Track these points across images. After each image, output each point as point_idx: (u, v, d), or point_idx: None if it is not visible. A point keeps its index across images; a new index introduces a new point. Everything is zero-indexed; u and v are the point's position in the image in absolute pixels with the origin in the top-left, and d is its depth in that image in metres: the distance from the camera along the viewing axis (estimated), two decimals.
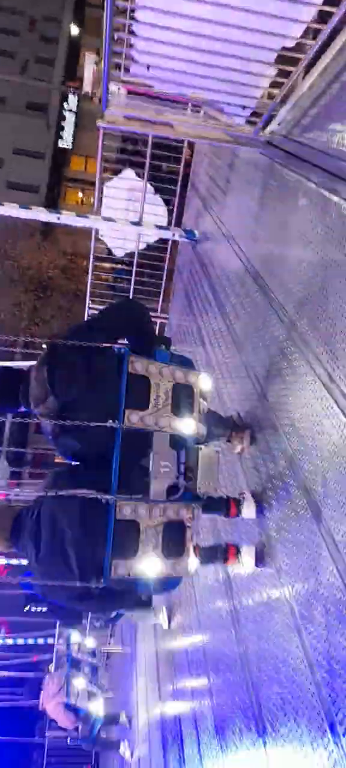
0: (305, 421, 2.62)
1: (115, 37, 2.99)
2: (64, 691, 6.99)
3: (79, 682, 7.19)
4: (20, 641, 9.07)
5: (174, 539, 2.35)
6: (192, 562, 2.40)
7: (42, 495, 2.40)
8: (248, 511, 3.05)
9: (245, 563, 3.00)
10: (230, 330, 4.29)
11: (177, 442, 2.47)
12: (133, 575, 2.30)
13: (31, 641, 9.05)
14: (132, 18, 2.94)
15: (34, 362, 2.46)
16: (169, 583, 2.54)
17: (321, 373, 2.50)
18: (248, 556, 2.98)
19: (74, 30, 25.27)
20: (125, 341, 2.54)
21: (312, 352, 2.63)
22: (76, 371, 2.37)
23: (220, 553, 3.13)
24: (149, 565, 2.30)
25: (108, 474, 2.31)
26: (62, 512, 2.30)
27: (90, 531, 2.28)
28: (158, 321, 7.92)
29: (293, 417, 2.75)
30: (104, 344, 2.42)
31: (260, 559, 2.91)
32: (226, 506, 3.07)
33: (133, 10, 2.89)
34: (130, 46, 3.18)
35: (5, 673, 9.35)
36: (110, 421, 2.26)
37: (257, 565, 2.92)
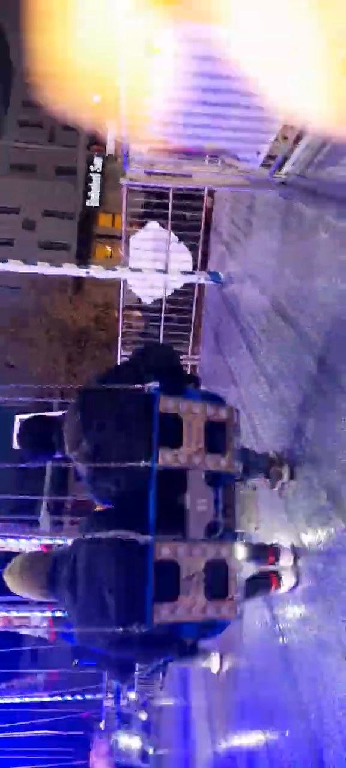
0: (343, 452, 2.58)
1: (132, 101, 3.17)
2: (114, 750, 6.82)
3: (130, 741, 7.00)
4: (68, 697, 8.94)
5: (217, 580, 2.27)
6: (238, 603, 2.31)
7: (78, 539, 2.38)
8: (285, 560, 3.01)
9: (285, 584, 2.97)
10: (261, 367, 4.30)
11: (213, 479, 2.43)
12: (176, 619, 2.21)
13: (79, 697, 8.91)
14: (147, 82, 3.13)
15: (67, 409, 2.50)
16: (215, 627, 2.44)
17: None
18: (288, 578, 2.95)
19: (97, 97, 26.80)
20: (155, 383, 2.53)
21: (344, 379, 2.61)
22: (108, 414, 2.39)
23: (265, 586, 3.04)
24: (192, 607, 2.21)
25: (144, 515, 2.26)
26: (98, 556, 2.26)
27: (128, 574, 2.22)
28: (190, 363, 8.01)
29: (331, 449, 2.72)
30: (134, 386, 2.42)
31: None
32: (265, 556, 3.01)
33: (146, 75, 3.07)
34: (147, 108, 3.36)
35: (54, 732, 9.21)
36: (144, 461, 2.25)
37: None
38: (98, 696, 8.24)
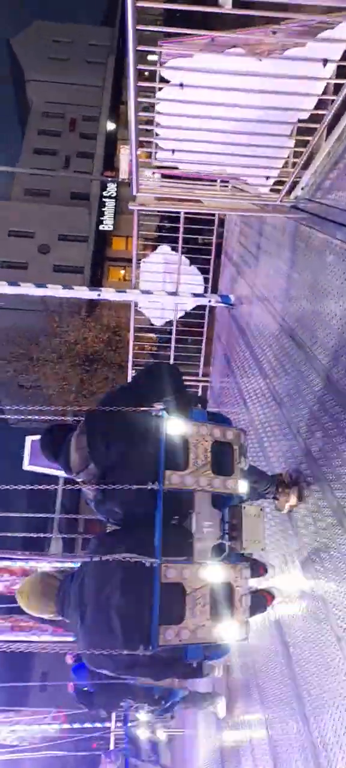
0: None
1: (141, 129, 3.25)
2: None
3: (138, 763, 6.87)
4: (76, 725, 8.83)
5: (223, 602, 2.27)
6: (243, 624, 2.30)
7: (86, 561, 2.40)
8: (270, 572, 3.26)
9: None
10: (270, 388, 4.30)
11: (219, 501, 2.43)
12: (182, 641, 2.20)
13: (88, 725, 8.79)
14: (155, 111, 3.20)
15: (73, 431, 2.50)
16: (220, 649, 2.44)
17: None
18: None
19: (110, 126, 27.46)
20: (161, 404, 2.55)
21: None
22: (115, 436, 2.39)
23: (262, 605, 3.14)
24: (198, 629, 2.20)
25: (151, 537, 2.26)
26: (106, 578, 2.27)
27: (134, 596, 2.21)
28: (200, 385, 8.02)
29: (340, 471, 2.70)
30: (141, 408, 2.44)
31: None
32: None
33: (153, 105, 3.15)
34: (156, 135, 3.43)
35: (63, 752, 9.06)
36: (150, 483, 2.25)
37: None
38: (107, 724, 8.13)
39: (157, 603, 2.16)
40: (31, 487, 2.72)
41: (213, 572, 2.27)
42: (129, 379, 7.89)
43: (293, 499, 3.23)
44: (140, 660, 2.18)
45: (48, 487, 2.67)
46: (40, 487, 2.64)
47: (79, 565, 2.52)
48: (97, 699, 3.83)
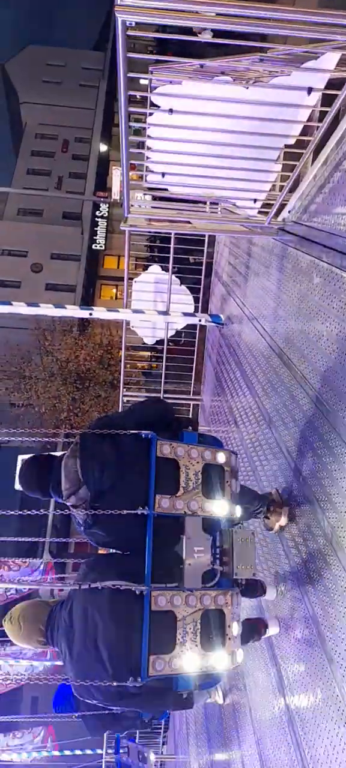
0: (341, 495, 2.58)
1: (132, 153, 3.31)
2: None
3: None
4: (67, 752, 8.66)
5: (213, 629, 2.23)
6: (235, 653, 2.26)
7: (74, 588, 2.34)
8: (269, 593, 3.21)
9: (270, 631, 3.14)
10: (260, 407, 4.33)
11: (210, 525, 2.40)
12: (172, 671, 2.14)
13: (78, 752, 8.62)
14: (146, 135, 3.27)
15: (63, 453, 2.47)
16: (211, 679, 2.37)
17: None
18: (272, 625, 3.14)
19: (103, 147, 27.85)
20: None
21: (341, 423, 2.63)
22: (107, 460, 2.36)
23: (256, 632, 3.14)
24: (189, 659, 2.15)
25: (141, 563, 2.22)
26: (94, 606, 2.22)
27: (124, 625, 2.15)
28: (191, 403, 8.05)
29: (329, 491, 2.72)
30: (132, 431, 2.40)
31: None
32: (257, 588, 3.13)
33: (145, 129, 3.22)
34: (147, 158, 3.50)
35: None
36: (141, 508, 2.22)
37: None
38: (99, 751, 7.98)
39: (146, 632, 2.11)
40: (21, 512, 2.70)
41: (204, 599, 2.23)
42: (120, 398, 7.91)
43: (283, 519, 3.24)
44: (129, 690, 2.12)
45: (38, 512, 2.64)
46: (31, 512, 2.61)
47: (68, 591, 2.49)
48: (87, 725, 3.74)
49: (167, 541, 2.35)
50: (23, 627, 2.41)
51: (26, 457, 2.75)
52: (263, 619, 3.24)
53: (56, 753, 8.87)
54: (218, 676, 2.38)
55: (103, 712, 2.34)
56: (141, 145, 3.35)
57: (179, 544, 2.35)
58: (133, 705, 2.35)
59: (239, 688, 4.21)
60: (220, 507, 2.39)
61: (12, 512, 2.62)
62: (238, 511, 2.51)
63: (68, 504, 2.43)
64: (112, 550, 2.59)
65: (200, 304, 7.04)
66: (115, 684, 2.10)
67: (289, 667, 3.05)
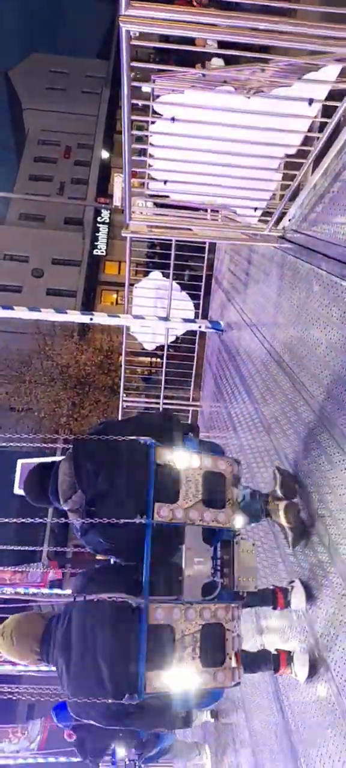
0: (338, 503, 2.58)
1: (134, 160, 3.35)
2: None
3: None
4: (62, 758, 8.59)
5: (213, 645, 2.12)
6: (234, 670, 2.15)
7: (71, 601, 2.26)
8: (297, 600, 2.70)
9: (298, 673, 2.58)
10: (259, 414, 4.35)
11: (210, 534, 2.34)
12: (170, 689, 2.06)
13: (74, 759, 8.54)
14: (148, 143, 3.31)
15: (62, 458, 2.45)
16: (210, 696, 2.29)
17: None
18: (301, 664, 2.57)
19: (105, 154, 28.04)
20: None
21: (339, 431, 2.65)
22: (103, 464, 2.31)
23: (269, 661, 2.74)
24: (187, 676, 2.05)
25: (139, 574, 2.15)
26: (92, 620, 2.13)
27: (122, 640, 2.06)
28: (191, 409, 8.07)
29: (328, 500, 2.72)
30: (130, 437, 2.35)
31: (313, 668, 2.51)
32: (273, 598, 2.77)
33: (147, 137, 3.26)
34: (149, 165, 3.53)
35: None
36: (139, 516, 2.15)
37: (309, 676, 2.51)
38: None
39: (143, 648, 2.02)
40: (20, 520, 2.67)
41: (203, 613, 2.13)
42: (120, 403, 7.92)
43: (282, 518, 3.18)
44: (127, 708, 2.05)
45: (38, 520, 2.62)
46: (31, 520, 2.57)
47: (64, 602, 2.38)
48: (85, 745, 3.67)
49: (167, 552, 2.29)
50: (16, 642, 2.27)
51: (27, 461, 2.75)
52: (289, 652, 2.74)
53: (52, 759, 8.80)
54: (217, 693, 2.31)
55: (101, 728, 2.28)
56: (143, 152, 3.39)
57: (179, 555, 2.29)
58: (130, 724, 2.27)
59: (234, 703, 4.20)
60: (220, 517, 2.30)
61: (12, 520, 2.57)
62: (239, 521, 2.42)
63: (65, 509, 2.40)
64: (112, 560, 2.56)
65: (200, 311, 7.08)
66: (111, 702, 2.02)
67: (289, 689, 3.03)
